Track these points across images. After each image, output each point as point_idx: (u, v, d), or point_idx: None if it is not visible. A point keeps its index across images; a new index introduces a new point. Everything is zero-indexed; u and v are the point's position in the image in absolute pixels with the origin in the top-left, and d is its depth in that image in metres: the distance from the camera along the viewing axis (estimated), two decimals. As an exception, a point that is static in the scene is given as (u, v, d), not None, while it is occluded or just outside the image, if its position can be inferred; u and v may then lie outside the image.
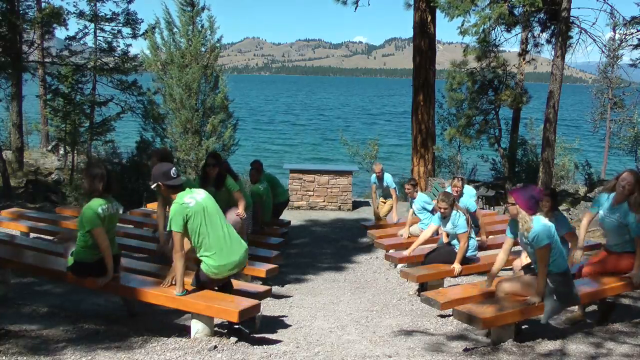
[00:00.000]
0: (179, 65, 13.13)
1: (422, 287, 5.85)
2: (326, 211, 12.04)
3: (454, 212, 5.88)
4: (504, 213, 11.06)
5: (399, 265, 6.91)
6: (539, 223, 4.14)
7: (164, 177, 4.17)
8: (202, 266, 4.17)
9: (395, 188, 8.92)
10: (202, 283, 4.28)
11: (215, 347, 3.96)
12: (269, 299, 5.52)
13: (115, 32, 16.32)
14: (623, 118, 21.20)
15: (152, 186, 4.28)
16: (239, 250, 4.31)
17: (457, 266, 5.75)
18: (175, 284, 4.23)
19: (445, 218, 5.93)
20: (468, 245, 5.86)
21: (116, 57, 16.08)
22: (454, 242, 5.96)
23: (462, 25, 10.74)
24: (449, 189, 7.27)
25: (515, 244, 4.55)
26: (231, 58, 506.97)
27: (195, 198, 4.18)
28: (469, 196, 7.29)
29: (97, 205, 4.40)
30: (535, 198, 4.23)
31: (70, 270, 4.57)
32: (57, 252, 5.34)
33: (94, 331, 4.28)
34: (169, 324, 4.80)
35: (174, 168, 4.24)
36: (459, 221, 5.80)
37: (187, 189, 4.24)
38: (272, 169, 11.92)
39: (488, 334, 4.33)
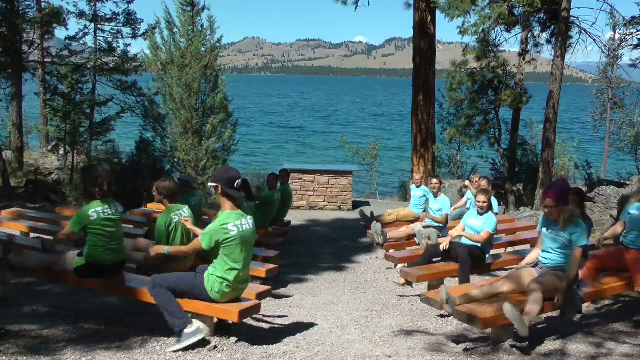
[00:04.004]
0: (179, 65, 13.13)
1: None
2: (326, 211, 12.04)
3: (489, 212, 5.93)
4: (504, 213, 11.07)
5: (399, 265, 6.91)
6: (581, 222, 4.24)
7: (227, 184, 4.03)
8: (205, 282, 4.04)
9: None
10: (190, 295, 4.11)
11: (215, 347, 3.97)
12: (269, 299, 5.52)
13: (115, 32, 16.31)
14: (623, 118, 21.19)
15: (211, 185, 4.09)
16: (245, 286, 4.26)
17: (455, 232, 5.78)
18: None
19: (481, 214, 5.91)
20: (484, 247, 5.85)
21: (116, 57, 16.08)
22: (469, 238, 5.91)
23: (462, 25, 10.76)
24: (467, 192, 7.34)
25: None
26: (231, 58, 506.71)
27: (239, 227, 4.01)
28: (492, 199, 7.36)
29: (91, 208, 4.39)
30: (566, 189, 4.32)
31: (77, 271, 4.50)
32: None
33: (94, 331, 4.28)
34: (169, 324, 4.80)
35: (240, 180, 4.09)
36: (490, 220, 5.82)
37: (239, 214, 4.09)
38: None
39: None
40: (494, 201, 7.31)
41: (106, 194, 4.48)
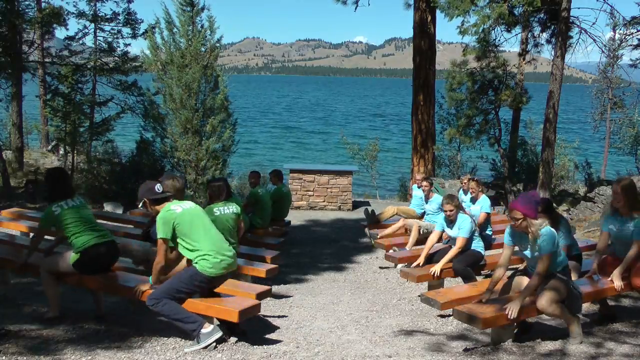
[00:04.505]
0: (178, 66, 13.12)
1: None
2: (326, 211, 12.04)
3: (460, 214, 5.86)
4: (504, 213, 11.08)
5: (399, 265, 6.92)
6: (546, 229, 4.15)
7: (149, 193, 4.33)
8: (198, 267, 4.12)
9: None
10: (193, 287, 4.14)
11: (216, 347, 3.97)
12: (269, 299, 5.52)
13: (115, 32, 16.30)
14: (623, 118, 21.18)
15: (139, 205, 4.42)
16: (229, 251, 4.31)
17: (436, 267, 5.66)
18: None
19: (451, 222, 5.90)
20: (468, 248, 5.83)
21: (116, 57, 16.07)
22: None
23: (462, 25, 10.76)
24: (461, 192, 7.31)
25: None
26: (231, 58, 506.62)
27: (182, 206, 4.23)
28: (485, 196, 7.31)
29: (53, 205, 4.59)
30: (536, 202, 4.23)
31: (76, 266, 4.52)
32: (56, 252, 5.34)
33: (94, 331, 4.29)
34: (169, 324, 4.80)
35: (158, 184, 4.38)
36: (463, 224, 5.78)
37: (177, 201, 4.31)
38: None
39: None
40: (486, 201, 7.22)
41: (69, 191, 4.70)
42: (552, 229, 4.22)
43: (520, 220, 4.13)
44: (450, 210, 5.83)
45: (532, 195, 4.34)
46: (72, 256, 4.55)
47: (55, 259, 4.71)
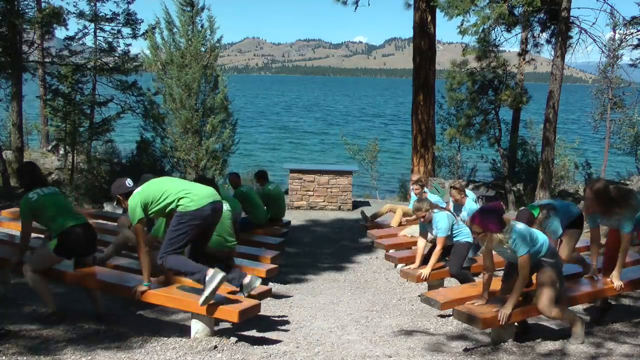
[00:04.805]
0: (178, 65, 13.13)
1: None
2: (326, 211, 12.04)
3: (436, 214, 5.82)
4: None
5: (399, 265, 6.92)
6: (515, 233, 4.05)
7: (121, 189, 4.50)
8: (180, 208, 4.15)
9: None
10: (188, 228, 4.16)
11: (215, 347, 3.97)
12: (269, 299, 5.52)
13: (115, 32, 16.28)
14: (623, 118, 21.18)
15: (114, 204, 4.56)
16: (206, 187, 4.41)
17: (425, 271, 5.62)
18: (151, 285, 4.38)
19: (429, 223, 5.85)
20: (452, 244, 5.81)
21: (116, 57, 16.06)
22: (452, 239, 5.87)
23: (462, 25, 10.76)
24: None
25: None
26: (231, 58, 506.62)
27: (141, 187, 4.36)
28: (471, 200, 7.24)
29: (29, 193, 4.68)
30: (498, 214, 4.12)
31: (56, 251, 4.57)
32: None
33: (94, 331, 4.29)
34: (169, 324, 4.81)
35: (129, 179, 4.57)
36: (439, 224, 5.73)
37: None
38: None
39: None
40: (472, 206, 7.09)
41: (42, 182, 4.83)
42: (521, 227, 4.12)
43: (480, 234, 4.09)
44: (423, 216, 5.82)
45: (492, 207, 4.25)
46: (52, 243, 4.61)
47: (37, 255, 4.76)
